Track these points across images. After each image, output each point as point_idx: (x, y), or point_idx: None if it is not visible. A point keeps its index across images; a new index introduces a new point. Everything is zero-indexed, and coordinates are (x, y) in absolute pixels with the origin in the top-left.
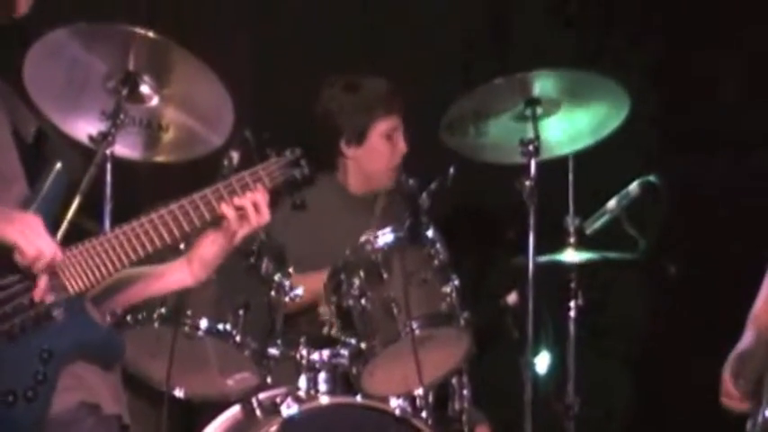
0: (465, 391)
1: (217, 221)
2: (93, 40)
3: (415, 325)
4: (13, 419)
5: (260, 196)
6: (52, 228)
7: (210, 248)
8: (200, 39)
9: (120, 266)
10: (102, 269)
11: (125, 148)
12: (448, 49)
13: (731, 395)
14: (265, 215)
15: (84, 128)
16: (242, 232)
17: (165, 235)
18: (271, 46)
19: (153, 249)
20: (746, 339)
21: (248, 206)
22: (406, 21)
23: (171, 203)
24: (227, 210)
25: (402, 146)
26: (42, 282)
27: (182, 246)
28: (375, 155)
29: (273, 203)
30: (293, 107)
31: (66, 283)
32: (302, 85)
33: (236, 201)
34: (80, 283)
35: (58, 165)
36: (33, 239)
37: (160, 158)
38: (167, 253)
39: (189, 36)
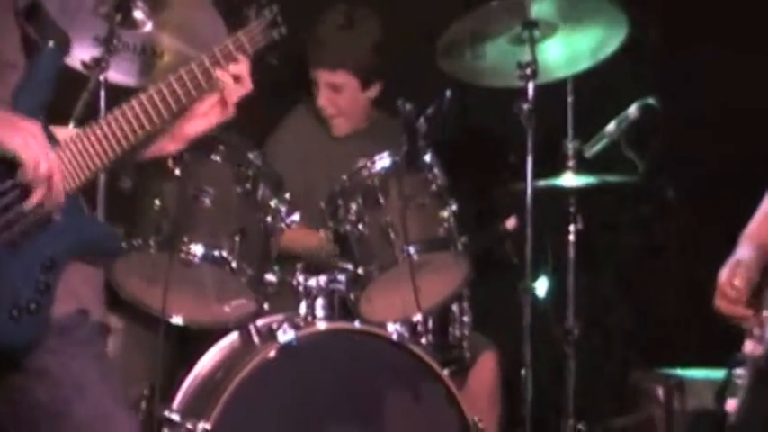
0: (465, 318)
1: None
2: None
3: (412, 250)
4: (18, 333)
5: (242, 67)
6: (43, 111)
7: (195, 125)
8: None
9: (117, 154)
10: (98, 160)
11: (119, 74)
12: None
13: (727, 296)
14: (248, 85)
15: (77, 54)
16: (230, 101)
17: (157, 115)
18: None
19: (144, 132)
20: (743, 250)
21: (228, 79)
22: None
23: (155, 85)
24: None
25: (322, 101)
26: (41, 189)
27: None
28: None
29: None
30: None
31: (64, 183)
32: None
33: (218, 73)
34: (77, 181)
35: (51, 43)
36: (35, 151)
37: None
38: None
39: None
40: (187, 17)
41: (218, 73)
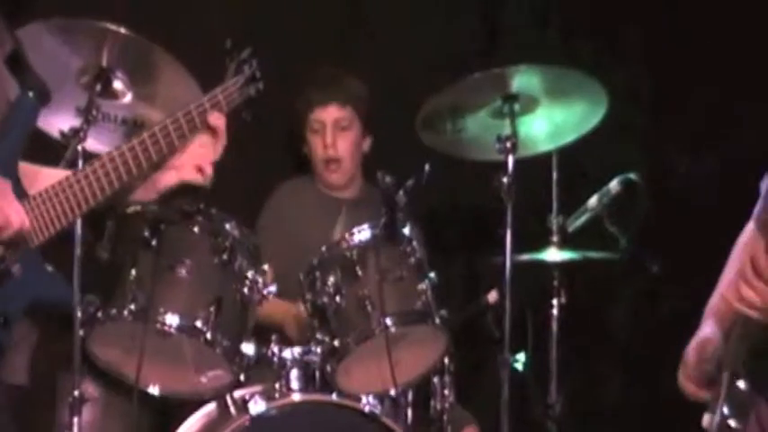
0: (446, 391)
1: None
2: (68, 35)
3: (389, 322)
4: None
5: (219, 122)
6: (16, 161)
7: (169, 177)
8: (182, 35)
9: (89, 208)
10: (69, 214)
11: (100, 144)
12: (432, 40)
13: (695, 378)
14: (223, 140)
15: (58, 124)
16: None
17: (127, 172)
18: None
19: (116, 187)
20: (708, 328)
21: (207, 138)
22: (389, 16)
23: (129, 141)
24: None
25: (328, 139)
26: (4, 246)
27: None
28: (310, 150)
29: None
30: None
31: (29, 236)
32: (285, 83)
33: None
34: (45, 234)
35: (30, 94)
36: (3, 208)
37: None
38: None
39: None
40: (168, 90)
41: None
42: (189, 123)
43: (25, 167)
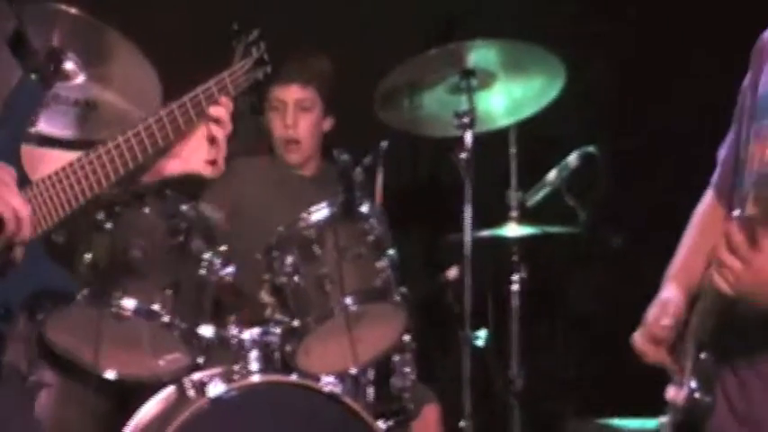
0: (407, 369)
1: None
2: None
3: (348, 301)
4: None
5: (223, 110)
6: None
7: (173, 165)
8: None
9: (92, 195)
10: (73, 202)
11: (52, 127)
12: (388, 16)
13: (653, 337)
14: (228, 127)
15: None
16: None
17: (132, 159)
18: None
19: (120, 175)
20: (669, 290)
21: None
22: None
23: (133, 127)
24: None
25: (289, 119)
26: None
27: None
28: (269, 128)
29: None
30: None
31: (31, 228)
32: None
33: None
34: (47, 223)
35: (33, 77)
36: (7, 200)
37: (88, 137)
38: None
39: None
40: (119, 69)
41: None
42: (195, 107)
43: (29, 151)
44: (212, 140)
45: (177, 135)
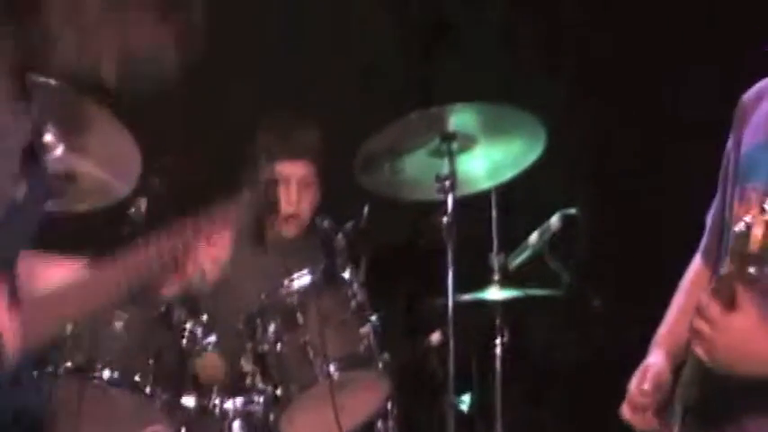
0: None
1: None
2: None
3: (331, 368)
4: None
5: (221, 250)
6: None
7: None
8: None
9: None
10: (64, 320)
11: None
12: (368, 81)
13: (635, 404)
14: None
15: None
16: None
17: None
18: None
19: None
20: (652, 356)
21: (208, 260)
22: (330, 54)
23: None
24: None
25: (293, 196)
26: None
27: None
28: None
29: None
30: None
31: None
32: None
33: (201, 251)
34: (34, 340)
35: (39, 191)
36: None
37: (68, 208)
38: None
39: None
40: (100, 140)
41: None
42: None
43: (31, 258)
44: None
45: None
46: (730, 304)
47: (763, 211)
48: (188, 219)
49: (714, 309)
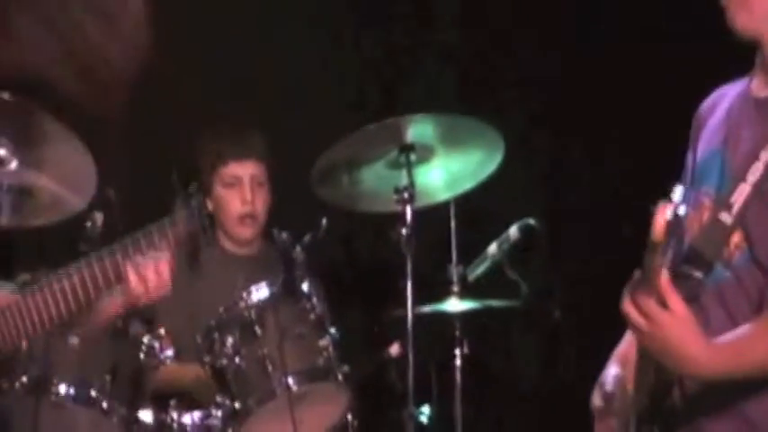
0: None
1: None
2: None
3: (290, 381)
4: None
5: (163, 263)
6: None
7: (107, 311)
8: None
9: (16, 342)
10: (11, 341)
11: None
12: (324, 93)
13: (599, 417)
14: (167, 284)
15: None
16: (142, 299)
17: (70, 303)
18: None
19: (59, 319)
20: (612, 369)
21: (151, 274)
22: (284, 65)
23: (73, 267)
24: (131, 276)
25: (247, 195)
26: None
27: None
28: (221, 205)
29: None
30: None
31: None
32: (174, 137)
33: (141, 266)
34: None
35: None
36: None
37: (24, 224)
38: None
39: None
40: (56, 154)
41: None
42: (135, 253)
43: None
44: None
45: (107, 284)
46: (661, 299)
47: (669, 199)
48: (125, 238)
49: (650, 304)
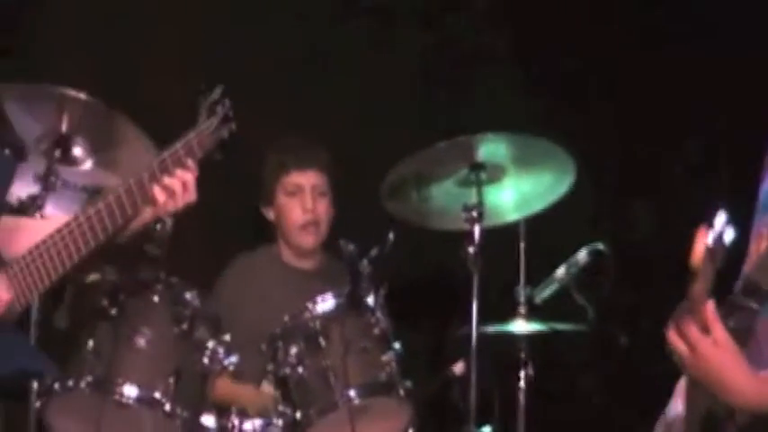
0: None
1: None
2: (28, 101)
3: (352, 393)
4: None
5: (189, 175)
6: None
7: (134, 224)
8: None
9: (71, 266)
10: (46, 279)
11: (61, 212)
12: (395, 107)
13: None
14: (193, 195)
15: (16, 191)
16: (169, 210)
17: (108, 227)
18: None
19: (96, 244)
20: (674, 407)
21: (177, 186)
22: (356, 80)
23: (109, 193)
24: (158, 192)
25: (309, 203)
26: None
27: None
28: (283, 214)
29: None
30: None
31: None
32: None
33: (167, 180)
34: (24, 301)
35: (6, 151)
36: None
37: None
38: None
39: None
40: (129, 156)
41: (166, 181)
42: (163, 173)
43: (5, 221)
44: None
45: (145, 202)
46: (704, 327)
47: (710, 227)
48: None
49: (693, 331)
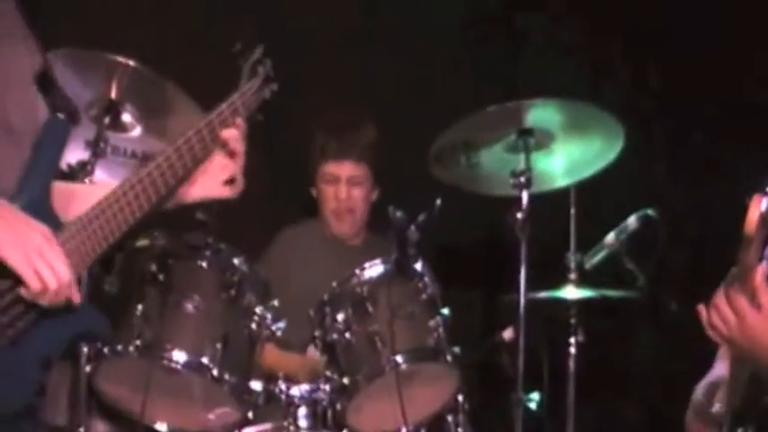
0: (460, 430)
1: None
2: (78, 67)
3: (399, 359)
4: None
5: (236, 132)
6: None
7: (195, 194)
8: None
9: (124, 232)
10: (103, 242)
11: (110, 178)
12: (444, 72)
13: (701, 419)
14: (242, 148)
15: (66, 157)
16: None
17: (161, 188)
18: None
19: (148, 208)
20: (715, 370)
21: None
22: (405, 45)
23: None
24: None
25: (343, 194)
26: (46, 300)
27: None
28: (321, 198)
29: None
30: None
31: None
32: (295, 123)
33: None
34: (85, 263)
35: (60, 115)
36: (39, 268)
37: None
38: None
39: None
40: (178, 123)
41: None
42: (211, 134)
43: (58, 187)
44: (231, 155)
45: (195, 163)
46: (752, 296)
47: (765, 194)
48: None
49: (740, 300)
